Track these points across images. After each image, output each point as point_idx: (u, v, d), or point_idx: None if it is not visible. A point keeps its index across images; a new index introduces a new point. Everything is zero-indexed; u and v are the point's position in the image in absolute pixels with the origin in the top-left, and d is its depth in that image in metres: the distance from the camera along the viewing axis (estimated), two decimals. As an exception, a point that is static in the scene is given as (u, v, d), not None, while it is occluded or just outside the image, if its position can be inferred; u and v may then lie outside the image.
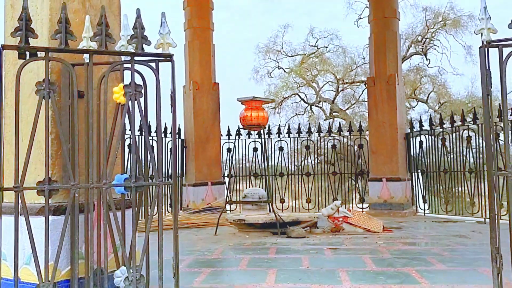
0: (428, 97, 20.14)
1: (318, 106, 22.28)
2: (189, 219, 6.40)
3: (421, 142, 7.57)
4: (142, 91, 2.40)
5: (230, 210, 7.42)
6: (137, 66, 2.38)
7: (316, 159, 8.27)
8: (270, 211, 5.40)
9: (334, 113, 21.68)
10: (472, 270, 3.36)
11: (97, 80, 2.45)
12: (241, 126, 5.64)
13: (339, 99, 21.89)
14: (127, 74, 2.41)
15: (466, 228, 5.77)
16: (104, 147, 2.36)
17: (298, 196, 8.13)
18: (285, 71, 22.00)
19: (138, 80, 2.41)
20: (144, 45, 2.36)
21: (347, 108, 21.87)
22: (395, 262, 3.68)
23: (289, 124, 8.83)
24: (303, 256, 3.99)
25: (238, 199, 8.12)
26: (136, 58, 2.36)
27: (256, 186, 8.12)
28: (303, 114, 22.24)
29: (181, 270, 3.52)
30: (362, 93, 21.30)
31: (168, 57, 2.41)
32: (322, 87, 21.93)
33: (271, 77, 22.07)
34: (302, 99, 21.92)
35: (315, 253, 4.12)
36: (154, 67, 2.38)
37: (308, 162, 8.35)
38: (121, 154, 2.56)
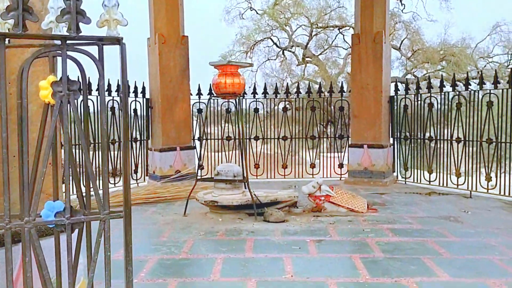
0: (401, 44, 19.65)
1: (290, 51, 21.51)
2: (155, 192, 5.82)
3: (405, 107, 7.08)
4: (80, 88, 1.71)
5: (201, 177, 6.84)
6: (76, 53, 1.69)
7: (294, 122, 7.69)
8: (245, 188, 4.86)
9: (307, 59, 20.99)
10: (482, 284, 2.95)
11: (17, 71, 1.74)
12: (214, 94, 4.96)
13: (312, 44, 21.18)
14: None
15: (454, 205, 5.41)
16: (25, 165, 1.69)
17: (274, 161, 7.61)
18: (257, 13, 20.93)
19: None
20: (80, 24, 1.65)
21: (320, 54, 21.21)
22: (390, 267, 3.23)
23: (265, 83, 8.10)
24: (285, 255, 3.49)
25: (209, 166, 7.58)
26: (70, 42, 1.65)
27: (229, 151, 7.54)
28: (275, 59, 21.52)
29: (143, 281, 2.98)
30: (335, 39, 20.66)
31: (116, 41, 1.71)
32: (295, 30, 21.12)
33: (243, 18, 21.00)
34: (275, 43, 21.09)
35: (298, 250, 3.63)
36: (97, 55, 1.68)
37: (285, 125, 7.79)
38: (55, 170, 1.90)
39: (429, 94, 6.66)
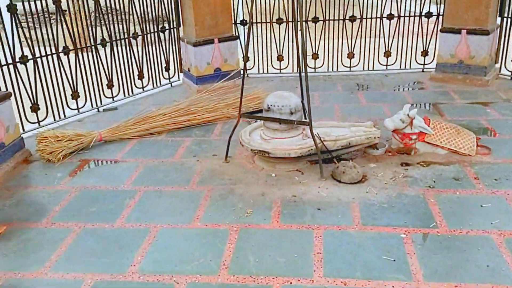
0: None
1: None
2: (188, 110, 4.56)
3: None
4: None
5: (247, 75, 5.43)
6: None
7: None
8: (304, 130, 3.52)
9: None
10: None
11: None
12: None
13: None
14: None
15: None
16: None
17: (336, 49, 6.00)
18: None
19: None
20: None
21: None
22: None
23: None
24: (375, 284, 2.31)
25: (257, 58, 6.10)
26: None
27: (280, 36, 5.94)
28: None
29: None
30: None
31: None
32: None
33: None
34: None
35: (393, 264, 2.43)
36: None
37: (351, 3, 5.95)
38: None
39: None
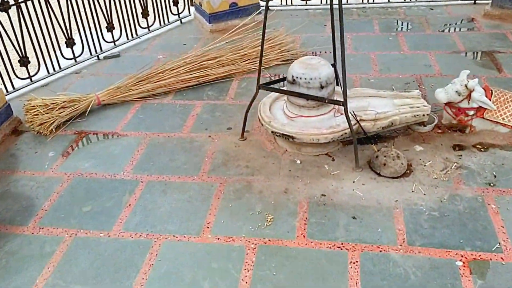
0: None
1: None
2: (199, 64, 3.91)
3: None
4: None
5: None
6: None
7: None
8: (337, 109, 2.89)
9: None
10: None
11: None
12: None
13: None
14: None
15: None
16: None
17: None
18: None
19: None
20: None
21: None
22: None
23: None
24: None
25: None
26: None
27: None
28: None
29: None
30: None
31: None
32: None
33: None
34: None
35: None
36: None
37: None
38: None
39: None
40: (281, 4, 5.36)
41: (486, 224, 2.34)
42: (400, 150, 2.80)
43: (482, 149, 2.86)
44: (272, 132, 2.85)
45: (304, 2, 5.32)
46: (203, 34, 4.86)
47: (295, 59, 2.95)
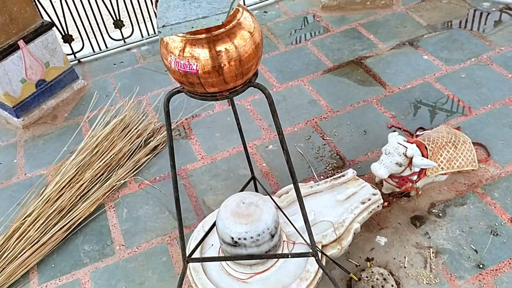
0: None
1: None
2: (39, 212, 2.77)
3: None
4: None
5: (78, 60, 3.41)
6: None
7: None
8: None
9: None
10: None
11: None
12: None
13: None
14: None
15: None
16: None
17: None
18: None
19: None
20: None
21: None
22: None
23: None
24: None
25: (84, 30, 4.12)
26: None
27: None
28: None
29: None
30: None
31: None
32: None
33: None
34: None
35: None
36: None
37: None
38: None
39: None
40: (94, 52, 4.18)
41: (510, 331, 2.11)
42: (374, 264, 2.36)
43: (440, 214, 2.60)
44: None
45: (122, 41, 4.25)
46: (15, 135, 3.53)
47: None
